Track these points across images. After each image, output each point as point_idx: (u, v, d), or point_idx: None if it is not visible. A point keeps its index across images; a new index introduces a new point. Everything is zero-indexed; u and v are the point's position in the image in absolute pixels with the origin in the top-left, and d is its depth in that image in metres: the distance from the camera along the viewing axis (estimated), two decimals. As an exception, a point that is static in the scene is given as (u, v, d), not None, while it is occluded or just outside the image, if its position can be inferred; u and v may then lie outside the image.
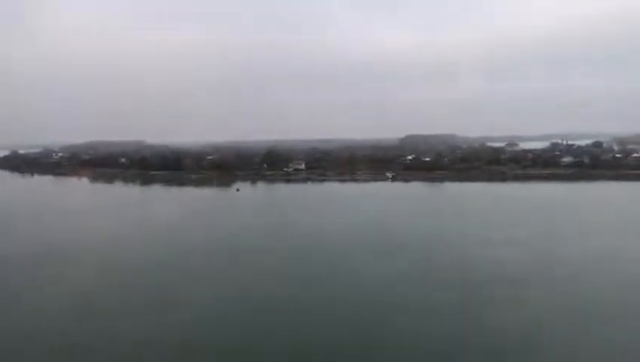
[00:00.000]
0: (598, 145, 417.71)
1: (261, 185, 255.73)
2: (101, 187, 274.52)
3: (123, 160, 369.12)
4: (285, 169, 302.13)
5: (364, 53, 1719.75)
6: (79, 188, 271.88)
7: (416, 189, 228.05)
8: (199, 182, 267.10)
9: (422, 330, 61.84)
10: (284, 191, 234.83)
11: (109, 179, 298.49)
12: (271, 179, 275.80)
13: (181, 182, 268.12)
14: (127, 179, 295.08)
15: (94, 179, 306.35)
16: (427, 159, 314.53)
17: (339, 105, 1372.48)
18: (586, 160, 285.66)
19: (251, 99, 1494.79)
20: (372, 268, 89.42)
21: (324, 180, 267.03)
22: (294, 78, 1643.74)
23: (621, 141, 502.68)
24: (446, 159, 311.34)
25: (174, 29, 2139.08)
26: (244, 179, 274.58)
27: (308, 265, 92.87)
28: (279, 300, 73.52)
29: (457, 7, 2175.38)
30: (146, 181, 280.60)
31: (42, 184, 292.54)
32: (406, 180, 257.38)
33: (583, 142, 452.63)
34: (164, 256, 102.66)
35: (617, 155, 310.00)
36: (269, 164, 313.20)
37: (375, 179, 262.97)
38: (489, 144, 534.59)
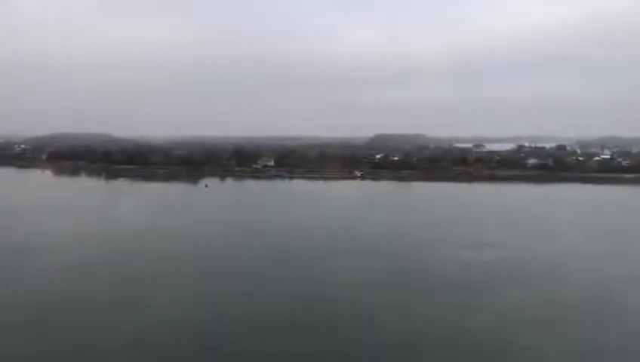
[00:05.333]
0: (561, 148, 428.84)
1: (230, 182, 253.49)
2: (64, 180, 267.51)
3: (88, 153, 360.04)
4: (254, 165, 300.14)
5: (336, 53, 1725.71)
6: (41, 181, 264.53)
7: (384, 188, 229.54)
8: (167, 178, 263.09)
9: (394, 334, 61.36)
10: (253, 187, 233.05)
11: (74, 173, 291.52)
12: (240, 176, 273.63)
13: (148, 177, 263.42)
14: (92, 173, 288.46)
15: (58, 172, 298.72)
16: (396, 158, 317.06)
17: (309, 103, 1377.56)
18: (550, 162, 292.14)
19: (220, 96, 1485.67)
20: (341, 270, 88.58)
21: (292, 177, 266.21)
22: (265, 76, 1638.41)
23: (583, 145, 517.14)
24: (414, 159, 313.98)
25: (143, 22, 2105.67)
26: (212, 175, 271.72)
27: (276, 265, 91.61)
28: (243, 300, 72.45)
29: (430, 10, 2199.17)
30: (112, 175, 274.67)
31: (3, 176, 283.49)
32: (374, 179, 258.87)
33: (547, 145, 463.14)
34: (124, 254, 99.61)
35: (580, 158, 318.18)
36: (238, 160, 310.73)
37: (344, 177, 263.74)
38: (457, 145, 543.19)
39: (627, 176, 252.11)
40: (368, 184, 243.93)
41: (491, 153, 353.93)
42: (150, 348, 56.32)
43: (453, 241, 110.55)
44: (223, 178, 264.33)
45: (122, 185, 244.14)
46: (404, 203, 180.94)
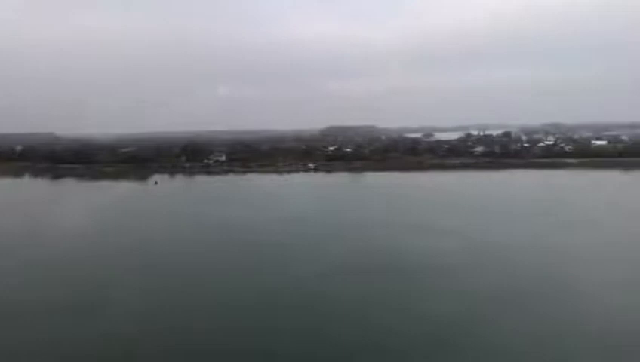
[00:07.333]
0: (507, 135, 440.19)
1: (180, 178, 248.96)
2: (6, 183, 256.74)
3: (31, 153, 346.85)
4: (205, 161, 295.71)
5: (288, 46, 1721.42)
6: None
7: (338, 179, 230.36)
8: (114, 176, 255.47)
9: (357, 321, 62.26)
10: (204, 183, 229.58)
11: (16, 174, 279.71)
12: (190, 172, 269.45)
13: (95, 176, 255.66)
14: (36, 174, 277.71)
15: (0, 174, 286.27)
16: (348, 150, 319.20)
17: (263, 97, 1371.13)
18: (497, 149, 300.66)
19: (171, 91, 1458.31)
20: (302, 260, 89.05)
21: (246, 172, 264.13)
22: (217, 71, 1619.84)
23: (528, 131, 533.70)
24: (366, 150, 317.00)
25: (86, 15, 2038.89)
26: (162, 171, 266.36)
27: (233, 260, 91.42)
28: (206, 298, 72.34)
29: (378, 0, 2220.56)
30: (57, 175, 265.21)
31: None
32: (328, 171, 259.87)
33: (494, 132, 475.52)
34: (77, 256, 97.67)
35: (525, 145, 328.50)
36: (189, 155, 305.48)
37: (298, 170, 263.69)
38: (407, 135, 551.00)
39: (569, 160, 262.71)
40: (322, 176, 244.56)
41: (440, 142, 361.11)
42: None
43: (411, 227, 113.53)
44: (173, 174, 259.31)
45: (69, 184, 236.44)
46: (359, 193, 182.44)
